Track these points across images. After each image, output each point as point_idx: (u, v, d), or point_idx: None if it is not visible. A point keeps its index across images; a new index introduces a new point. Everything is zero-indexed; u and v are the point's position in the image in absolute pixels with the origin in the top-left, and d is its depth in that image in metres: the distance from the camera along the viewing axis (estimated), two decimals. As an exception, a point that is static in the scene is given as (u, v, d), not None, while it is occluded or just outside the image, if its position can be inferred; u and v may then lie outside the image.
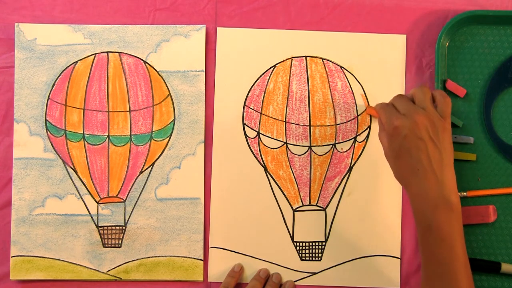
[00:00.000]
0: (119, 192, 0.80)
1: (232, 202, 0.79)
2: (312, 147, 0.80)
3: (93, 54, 0.80)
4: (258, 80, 0.80)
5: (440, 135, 0.66)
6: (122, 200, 0.80)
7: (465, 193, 0.77)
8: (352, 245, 0.79)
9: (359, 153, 0.80)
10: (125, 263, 0.79)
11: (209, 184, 0.80)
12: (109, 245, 0.79)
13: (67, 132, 0.79)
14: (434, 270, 0.65)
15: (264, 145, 0.80)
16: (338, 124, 0.80)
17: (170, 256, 0.79)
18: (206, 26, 0.81)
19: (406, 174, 0.67)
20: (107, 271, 0.79)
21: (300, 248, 0.79)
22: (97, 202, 0.80)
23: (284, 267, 0.79)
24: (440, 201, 0.64)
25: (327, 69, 0.80)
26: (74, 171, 0.80)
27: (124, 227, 0.79)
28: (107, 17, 0.81)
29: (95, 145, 0.80)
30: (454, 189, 0.65)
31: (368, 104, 0.80)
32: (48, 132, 0.80)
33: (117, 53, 0.80)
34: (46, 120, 0.80)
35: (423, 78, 0.80)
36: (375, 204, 0.79)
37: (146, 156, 0.80)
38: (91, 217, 0.79)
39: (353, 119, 0.80)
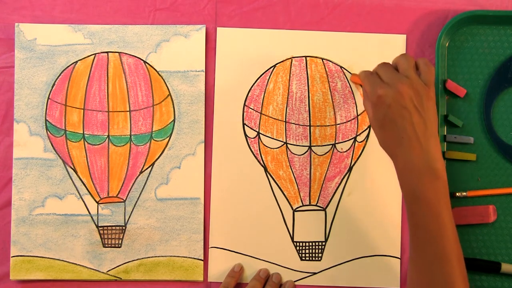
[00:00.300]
0: (119, 192, 0.80)
1: (232, 202, 0.79)
2: (312, 147, 0.80)
3: (93, 54, 0.80)
4: (258, 80, 0.80)
5: (425, 104, 0.65)
6: (122, 200, 0.80)
7: (465, 193, 0.77)
8: (352, 245, 0.79)
9: (359, 153, 0.80)
10: (125, 263, 0.79)
11: (209, 184, 0.80)
12: (109, 245, 0.79)
13: (67, 132, 0.79)
14: (421, 238, 0.64)
15: (264, 145, 0.80)
16: (338, 124, 0.80)
17: (170, 256, 0.79)
18: (206, 26, 0.81)
19: (391, 143, 0.67)
20: (107, 271, 0.79)
21: (300, 248, 0.79)
22: (97, 202, 0.80)
23: (284, 267, 0.79)
24: (425, 169, 0.64)
25: (327, 69, 0.80)
26: (74, 171, 0.80)
27: (124, 227, 0.79)
28: (107, 17, 0.81)
29: (95, 145, 0.80)
30: (439, 157, 0.65)
31: None
32: (48, 132, 0.80)
33: (117, 53, 0.80)
34: (46, 120, 0.80)
35: (423, 78, 0.80)
36: (375, 204, 0.79)
37: (146, 156, 0.80)
38: (91, 217, 0.79)
39: (353, 119, 0.80)
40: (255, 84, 0.80)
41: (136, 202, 0.79)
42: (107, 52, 0.80)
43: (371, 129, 0.80)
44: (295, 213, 0.80)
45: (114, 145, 0.80)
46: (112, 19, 0.81)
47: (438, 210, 0.63)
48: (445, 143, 0.78)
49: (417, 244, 0.65)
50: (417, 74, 0.67)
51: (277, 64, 0.80)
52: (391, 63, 0.70)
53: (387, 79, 0.67)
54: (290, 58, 0.81)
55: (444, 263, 0.63)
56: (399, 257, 0.79)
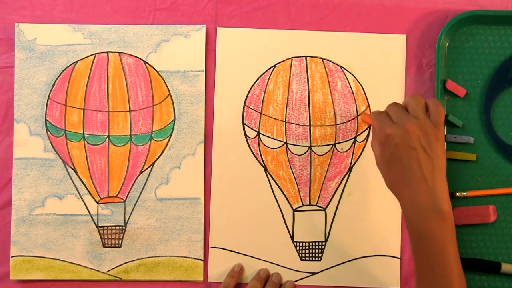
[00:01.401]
0: (119, 192, 0.80)
1: (232, 202, 0.79)
2: (312, 147, 0.80)
3: (93, 54, 0.80)
4: (258, 80, 0.80)
5: (433, 144, 0.65)
6: (122, 200, 0.80)
7: (465, 193, 0.77)
8: (352, 245, 0.79)
9: (359, 153, 0.80)
10: (125, 263, 0.79)
11: (209, 184, 0.80)
12: (109, 245, 0.79)
13: (67, 132, 0.79)
14: (428, 280, 0.65)
15: (264, 145, 0.80)
16: (338, 124, 0.80)
17: (170, 256, 0.79)
18: (206, 26, 0.81)
19: (397, 183, 0.67)
20: (107, 271, 0.79)
21: (300, 248, 0.79)
22: (97, 202, 0.80)
23: (284, 267, 0.79)
24: (432, 211, 0.64)
25: (327, 69, 0.80)
26: (74, 171, 0.80)
27: (124, 227, 0.79)
28: (107, 17, 0.81)
29: (95, 145, 0.80)
30: (446, 198, 0.65)
31: (368, 103, 0.80)
32: (48, 132, 0.80)
33: (117, 53, 0.80)
34: (46, 120, 0.80)
35: (423, 78, 0.80)
36: (375, 204, 0.79)
37: (146, 156, 0.80)
38: (91, 217, 0.79)
39: (353, 119, 0.80)
40: (255, 84, 0.80)
41: (136, 202, 0.79)
42: (107, 52, 0.80)
43: (370, 130, 0.80)
44: (295, 213, 0.80)
45: (114, 145, 0.80)
46: (112, 19, 0.81)
47: (445, 250, 0.63)
48: (445, 143, 0.78)
49: (422, 283, 0.65)
50: (427, 115, 0.67)
51: (277, 64, 0.80)
52: (401, 103, 0.70)
53: (396, 118, 0.67)
54: (290, 58, 0.81)
55: None
56: (399, 257, 0.79)
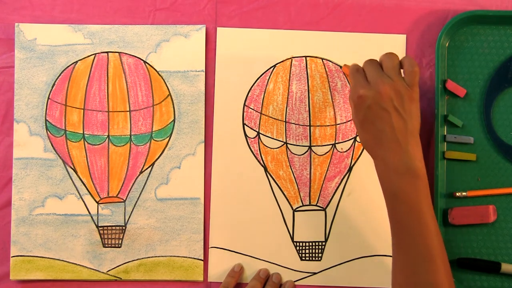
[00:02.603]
0: (119, 192, 0.80)
1: (232, 202, 0.79)
2: (312, 147, 0.80)
3: (93, 54, 0.80)
4: (258, 80, 0.80)
5: (406, 105, 0.65)
6: (122, 200, 0.80)
7: (465, 193, 0.77)
8: (352, 245, 0.79)
9: (359, 153, 0.80)
10: (125, 263, 0.79)
11: (209, 184, 0.80)
12: (109, 245, 0.79)
13: (67, 132, 0.79)
14: (404, 238, 0.64)
15: (264, 145, 0.80)
16: (338, 124, 0.80)
17: (170, 256, 0.79)
18: (206, 26, 0.81)
19: (371, 143, 0.67)
20: (107, 271, 0.79)
21: (300, 248, 0.79)
22: (97, 202, 0.80)
23: (284, 267, 0.79)
24: (404, 169, 0.64)
25: (327, 69, 0.80)
26: (74, 171, 0.80)
27: (124, 227, 0.79)
28: (107, 17, 0.81)
29: (95, 145, 0.80)
30: (420, 157, 0.65)
31: None
32: (48, 132, 0.80)
33: (117, 53, 0.80)
34: (46, 120, 0.80)
35: (423, 78, 0.80)
36: (375, 204, 0.79)
37: (146, 156, 0.80)
38: (91, 217, 0.79)
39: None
40: (255, 84, 0.80)
41: (136, 202, 0.79)
42: (107, 52, 0.80)
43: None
44: (295, 213, 0.80)
45: (114, 145, 0.80)
46: (112, 19, 0.81)
47: (420, 208, 0.63)
48: (445, 143, 0.78)
49: (399, 245, 0.65)
50: (401, 74, 0.67)
51: (277, 64, 0.81)
52: (378, 60, 0.70)
53: (370, 78, 0.67)
54: (290, 58, 0.81)
55: (428, 263, 0.62)
56: (399, 257, 0.78)
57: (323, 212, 0.80)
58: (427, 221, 0.63)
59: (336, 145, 0.80)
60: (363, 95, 0.66)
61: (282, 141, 0.80)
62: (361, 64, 0.70)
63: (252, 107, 0.80)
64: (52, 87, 0.80)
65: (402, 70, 0.68)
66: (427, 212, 0.63)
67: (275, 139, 0.80)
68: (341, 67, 0.80)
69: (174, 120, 0.80)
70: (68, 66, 0.80)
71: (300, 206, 0.80)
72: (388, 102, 0.65)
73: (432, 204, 0.64)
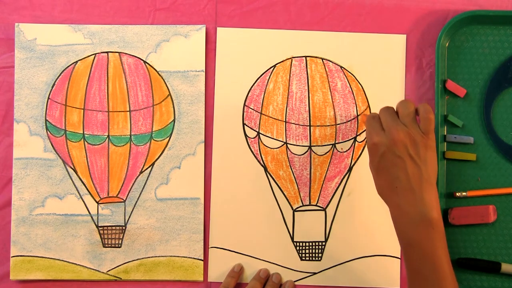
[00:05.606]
0: (119, 192, 0.80)
1: (232, 202, 0.79)
2: (312, 147, 0.80)
3: (93, 54, 0.80)
4: (258, 80, 0.80)
5: (421, 152, 0.65)
6: (122, 200, 0.80)
7: (465, 193, 0.77)
8: (352, 245, 0.79)
9: (359, 153, 0.80)
10: (125, 263, 0.79)
11: (209, 184, 0.80)
12: (109, 245, 0.79)
13: (67, 132, 0.79)
14: (418, 285, 0.64)
15: (264, 145, 0.80)
16: (338, 124, 0.80)
17: (170, 256, 0.79)
18: (206, 26, 0.81)
19: (385, 190, 0.67)
20: (107, 271, 0.79)
21: (300, 248, 0.79)
22: (97, 202, 0.80)
23: (284, 267, 0.79)
24: (419, 218, 0.63)
25: (327, 69, 0.80)
26: (74, 171, 0.80)
27: (124, 227, 0.79)
28: (107, 17, 0.81)
29: (95, 145, 0.80)
30: (435, 206, 0.64)
31: (368, 103, 0.80)
32: (48, 132, 0.80)
33: (117, 53, 0.80)
34: (46, 120, 0.80)
35: (423, 78, 0.80)
36: (375, 204, 0.79)
37: (146, 156, 0.80)
38: (91, 217, 0.79)
39: (353, 119, 0.80)
40: (255, 84, 0.80)
41: (136, 202, 0.79)
42: (107, 52, 0.80)
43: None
44: (295, 213, 0.80)
45: (114, 145, 0.80)
46: (112, 19, 0.81)
47: (435, 259, 0.63)
48: (445, 143, 0.78)
49: (414, 287, 0.65)
50: (417, 121, 0.67)
51: (277, 64, 0.81)
52: (394, 108, 0.70)
53: (385, 125, 0.67)
54: (290, 58, 0.81)
55: None
56: (399, 257, 0.79)
57: (323, 212, 0.80)
58: (443, 271, 0.63)
59: (336, 145, 0.80)
60: (377, 143, 0.66)
61: (282, 141, 0.80)
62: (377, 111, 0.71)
63: (252, 107, 0.80)
64: (52, 87, 0.80)
65: (418, 117, 0.68)
66: (444, 262, 0.63)
67: (275, 139, 0.80)
68: (341, 67, 0.80)
69: (174, 120, 0.80)
70: (68, 66, 0.80)
71: (300, 206, 0.80)
72: (402, 150, 0.65)
73: (448, 251, 0.64)
